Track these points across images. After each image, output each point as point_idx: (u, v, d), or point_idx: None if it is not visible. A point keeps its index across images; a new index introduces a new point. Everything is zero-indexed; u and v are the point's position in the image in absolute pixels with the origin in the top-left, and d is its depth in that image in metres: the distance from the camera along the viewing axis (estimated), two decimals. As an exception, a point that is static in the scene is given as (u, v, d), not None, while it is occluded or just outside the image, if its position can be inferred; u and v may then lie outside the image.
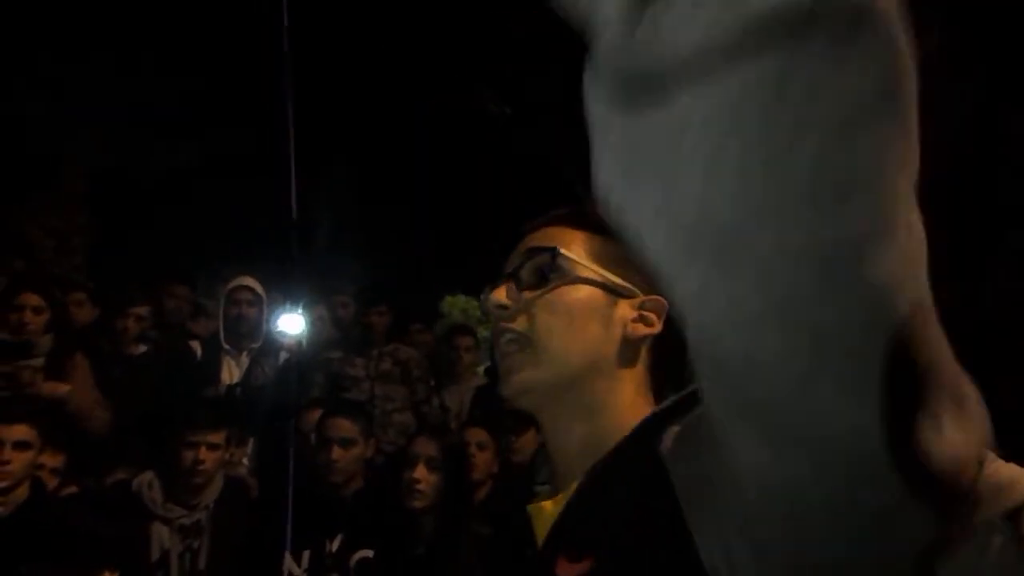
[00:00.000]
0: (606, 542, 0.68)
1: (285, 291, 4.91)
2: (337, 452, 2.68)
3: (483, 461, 3.04)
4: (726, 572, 0.56)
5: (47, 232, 6.17)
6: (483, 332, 6.14)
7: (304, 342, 4.59)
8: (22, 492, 2.50)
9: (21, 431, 2.48)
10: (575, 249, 0.82)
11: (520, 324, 0.80)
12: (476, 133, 8.66)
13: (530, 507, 0.80)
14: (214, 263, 4.74)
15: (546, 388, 0.79)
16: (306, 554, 2.56)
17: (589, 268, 0.81)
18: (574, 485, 0.76)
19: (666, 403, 0.73)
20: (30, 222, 6.15)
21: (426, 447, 2.71)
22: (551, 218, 0.87)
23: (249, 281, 3.95)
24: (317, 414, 3.33)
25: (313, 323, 4.73)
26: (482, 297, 0.86)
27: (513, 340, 0.80)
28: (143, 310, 3.90)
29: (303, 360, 3.99)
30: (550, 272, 0.81)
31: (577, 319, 0.79)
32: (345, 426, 2.76)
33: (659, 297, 0.81)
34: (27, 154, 6.22)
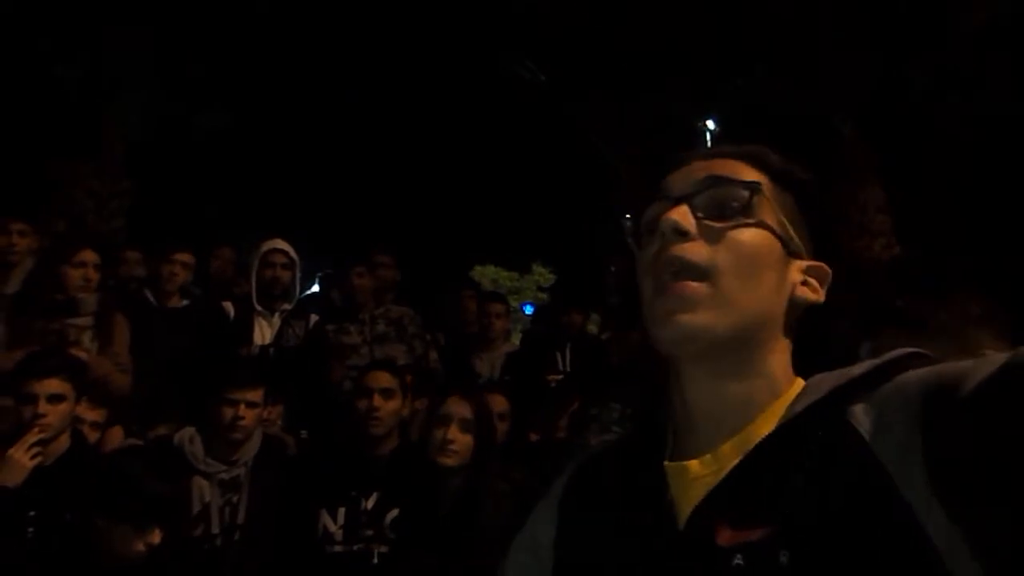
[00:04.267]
0: (792, 511, 0.62)
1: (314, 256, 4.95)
2: (378, 400, 2.75)
3: (501, 431, 3.04)
4: (967, 551, 0.54)
5: (88, 195, 6.26)
6: (512, 302, 6.12)
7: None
8: (62, 443, 2.56)
9: (54, 385, 2.53)
10: (764, 190, 0.74)
11: (699, 255, 0.70)
12: (510, 101, 8.59)
13: (668, 465, 0.73)
14: (248, 227, 4.78)
15: (718, 339, 0.69)
16: (342, 511, 2.59)
17: (775, 215, 0.73)
18: (726, 447, 0.70)
19: (855, 374, 0.67)
20: (72, 185, 6.25)
21: (461, 408, 2.67)
22: (728, 150, 0.78)
23: (282, 244, 3.98)
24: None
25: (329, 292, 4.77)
26: (631, 219, 0.78)
27: (688, 272, 0.70)
28: (187, 256, 3.94)
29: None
30: (733, 208, 0.72)
31: (760, 268, 0.71)
32: (385, 378, 2.83)
33: (824, 265, 0.75)
34: (67, 118, 6.31)
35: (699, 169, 0.76)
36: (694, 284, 0.69)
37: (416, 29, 8.02)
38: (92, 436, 2.89)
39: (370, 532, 2.56)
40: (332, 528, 2.58)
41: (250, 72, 7.31)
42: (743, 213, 0.72)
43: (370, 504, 2.60)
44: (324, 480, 2.69)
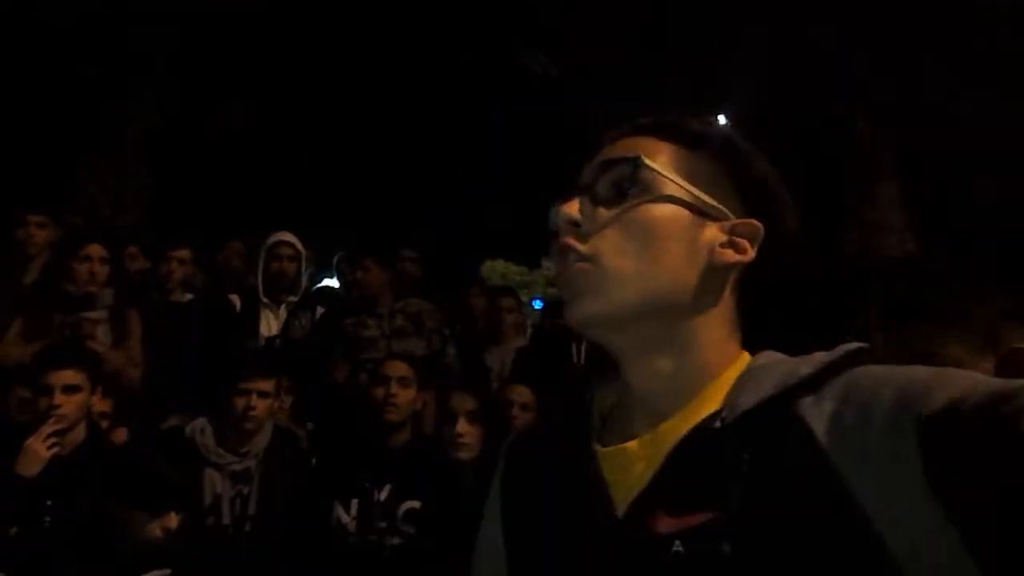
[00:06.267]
0: (735, 500, 0.61)
1: (325, 250, 4.93)
2: (396, 388, 2.79)
3: (524, 421, 3.03)
4: (911, 556, 0.54)
5: (103, 189, 6.30)
6: (522, 297, 6.13)
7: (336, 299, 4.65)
8: (79, 434, 2.58)
9: (69, 375, 2.55)
10: (660, 160, 0.72)
11: (589, 244, 0.70)
12: (520, 94, 8.56)
13: (604, 449, 0.72)
14: (263, 221, 4.79)
15: (618, 318, 0.69)
16: (354, 503, 2.60)
17: (675, 183, 0.71)
18: (664, 428, 0.69)
19: (804, 373, 0.65)
20: (88, 180, 6.28)
21: (464, 401, 2.79)
22: (633, 127, 0.76)
23: (289, 236, 4.00)
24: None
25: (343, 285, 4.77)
26: (551, 212, 0.76)
27: (579, 261, 0.70)
28: (184, 253, 3.95)
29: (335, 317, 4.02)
30: (630, 186, 0.70)
31: (657, 240, 0.69)
32: (403, 367, 2.88)
33: (754, 221, 0.72)
34: (84, 110, 6.33)
35: (602, 154, 0.75)
36: (581, 273, 0.70)
37: (425, 21, 8.01)
38: (101, 426, 2.91)
39: (383, 524, 2.58)
40: (345, 519, 2.59)
41: (266, 67, 7.32)
42: (638, 190, 0.71)
43: (383, 496, 2.62)
44: (337, 472, 2.70)
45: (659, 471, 0.66)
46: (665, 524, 0.63)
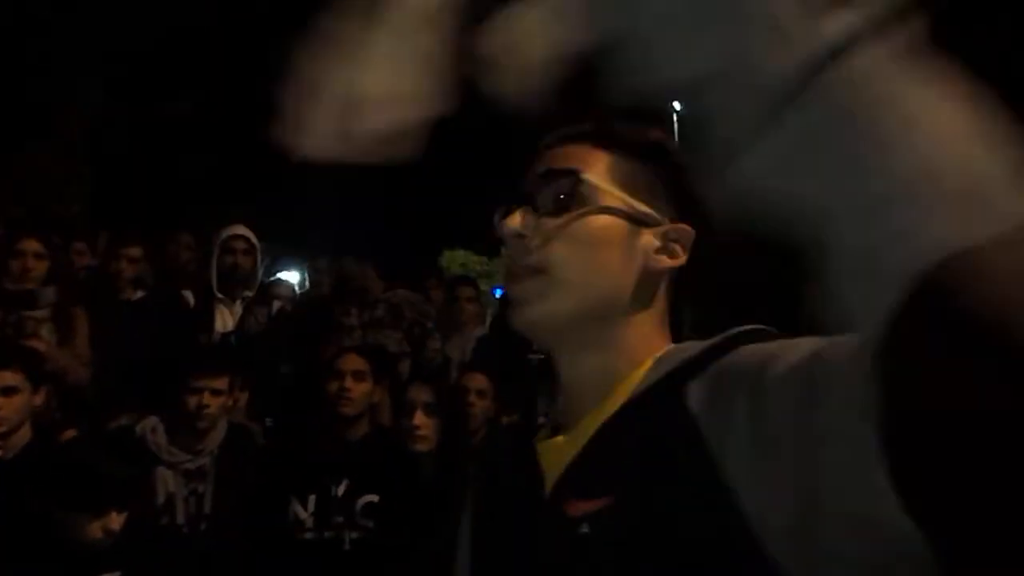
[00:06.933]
0: (627, 484, 0.65)
1: (284, 242, 4.87)
2: (350, 382, 2.74)
3: (481, 408, 3.05)
4: (782, 523, 0.54)
5: (45, 180, 6.10)
6: (483, 286, 6.11)
7: (299, 293, 4.61)
8: (24, 435, 2.50)
9: (7, 377, 2.46)
10: (598, 172, 0.75)
11: (539, 256, 0.74)
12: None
13: (539, 444, 0.78)
14: (214, 212, 4.69)
15: (560, 323, 0.74)
16: (312, 498, 2.57)
17: (613, 194, 0.75)
18: (586, 421, 0.73)
19: (693, 352, 0.69)
20: (28, 170, 6.08)
21: (421, 393, 2.80)
22: (572, 134, 0.80)
23: (243, 230, 3.92)
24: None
25: (311, 276, 4.72)
26: (496, 220, 0.79)
27: (530, 272, 0.75)
28: (136, 251, 3.87)
29: (298, 310, 3.98)
30: (570, 199, 0.74)
31: (597, 250, 0.74)
32: (358, 361, 2.83)
33: (685, 226, 0.77)
34: (24, 101, 6.13)
35: (544, 161, 0.79)
36: (529, 281, 0.74)
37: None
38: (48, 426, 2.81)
39: (341, 519, 2.55)
40: (302, 515, 2.56)
41: (213, 57, 7.18)
42: (578, 203, 0.75)
43: (340, 491, 2.59)
44: (293, 467, 2.67)
45: (574, 460, 0.71)
46: (575, 508, 0.68)
